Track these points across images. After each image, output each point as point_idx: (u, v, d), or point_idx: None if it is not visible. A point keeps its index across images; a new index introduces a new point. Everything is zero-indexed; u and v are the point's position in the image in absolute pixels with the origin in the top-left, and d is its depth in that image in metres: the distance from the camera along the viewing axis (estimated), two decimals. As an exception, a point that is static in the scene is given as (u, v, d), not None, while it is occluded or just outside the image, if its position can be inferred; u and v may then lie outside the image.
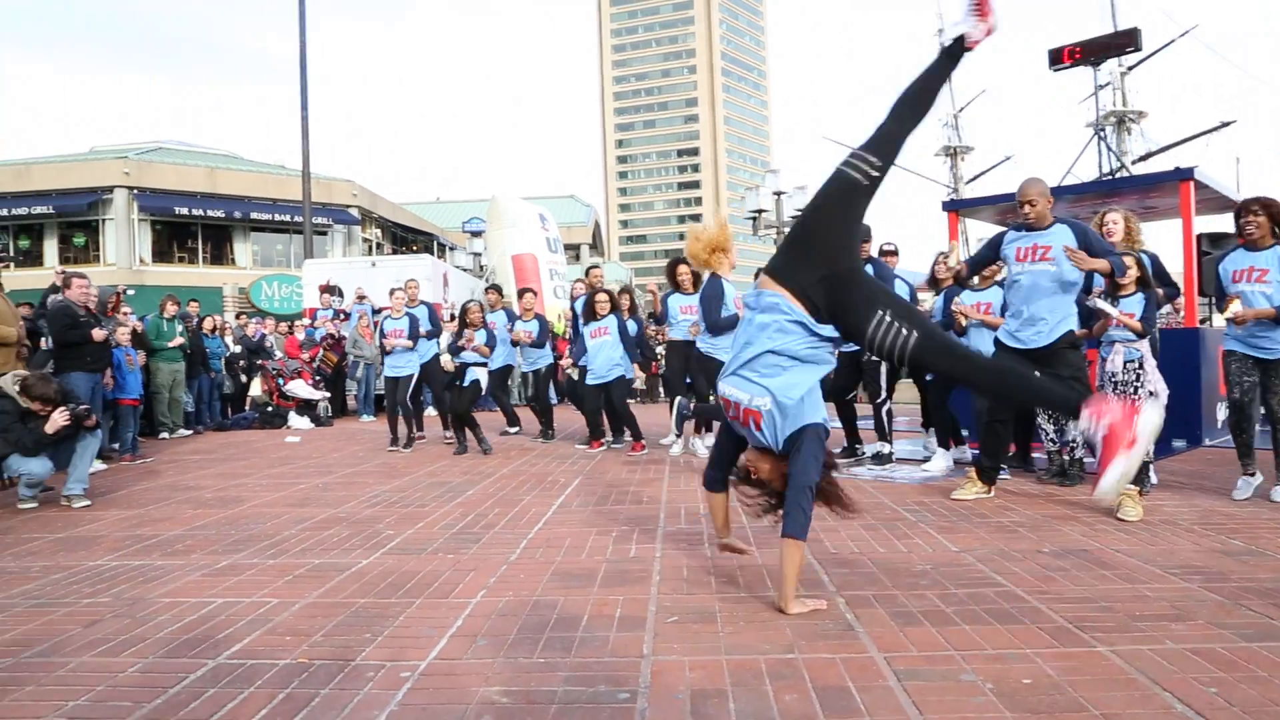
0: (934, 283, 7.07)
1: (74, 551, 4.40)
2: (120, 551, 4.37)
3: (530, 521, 4.86)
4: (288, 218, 27.38)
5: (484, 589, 3.49)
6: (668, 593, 3.36)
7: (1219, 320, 6.01)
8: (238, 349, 12.63)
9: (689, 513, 4.98)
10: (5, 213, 25.92)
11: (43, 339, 8.30)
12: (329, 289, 13.94)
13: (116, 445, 8.49)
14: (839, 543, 4.10)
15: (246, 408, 12.43)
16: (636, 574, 3.66)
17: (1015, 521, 4.57)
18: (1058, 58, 25.92)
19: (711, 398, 6.87)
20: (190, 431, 10.82)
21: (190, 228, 27.83)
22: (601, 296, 8.26)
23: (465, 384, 8.24)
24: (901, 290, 6.81)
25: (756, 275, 3.70)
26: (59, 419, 5.64)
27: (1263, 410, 5.10)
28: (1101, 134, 29.18)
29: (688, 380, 7.92)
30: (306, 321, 13.87)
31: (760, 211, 20.19)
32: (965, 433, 6.78)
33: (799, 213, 5.39)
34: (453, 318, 11.28)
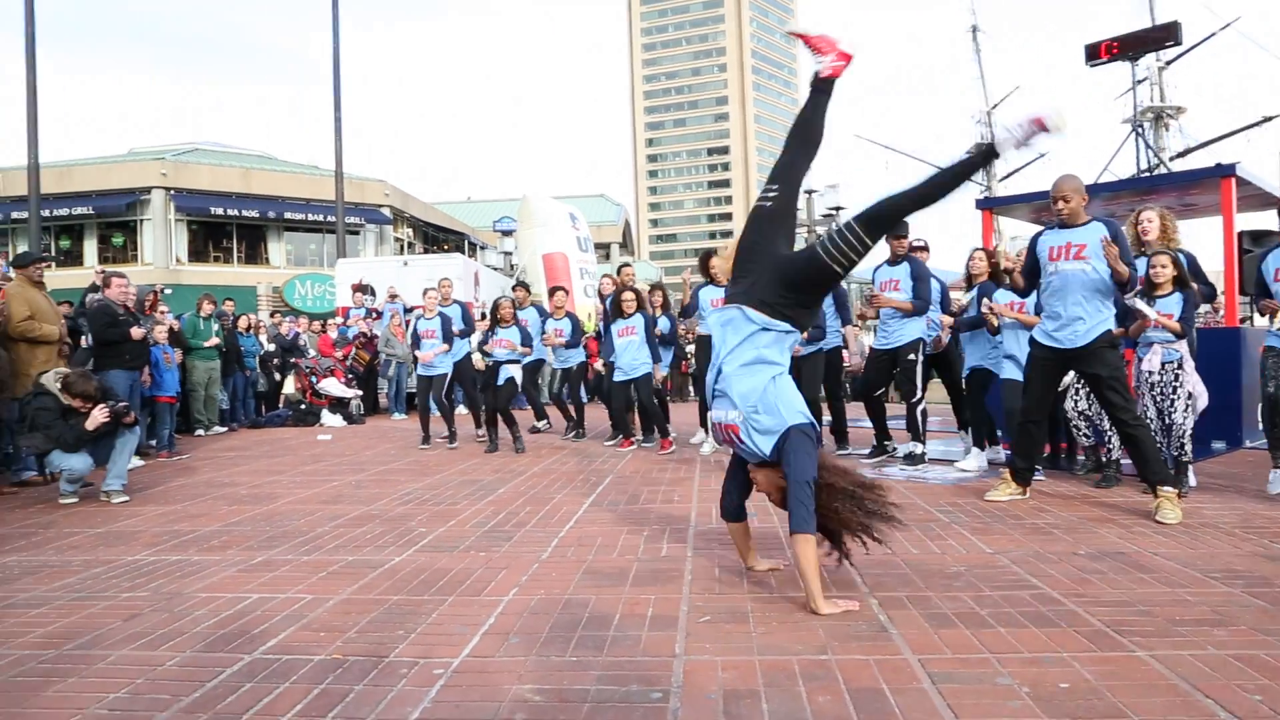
0: (969, 280, 7.00)
1: (113, 546, 4.48)
2: (158, 546, 4.45)
3: (562, 520, 4.87)
4: (321, 217, 27.64)
5: (516, 587, 3.50)
6: (700, 592, 3.36)
7: (1260, 320, 5.90)
8: (272, 347, 12.76)
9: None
10: (47, 214, 26.33)
11: (83, 337, 8.46)
12: (361, 288, 14.07)
13: (154, 442, 8.62)
14: (871, 543, 4.06)
15: (280, 405, 12.54)
16: (668, 573, 3.65)
17: (1050, 523, 4.51)
18: (1095, 53, 25.60)
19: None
20: (225, 429, 10.96)
21: (225, 227, 28.19)
22: (628, 295, 8.21)
23: (500, 383, 8.26)
24: (934, 287, 6.75)
25: None
26: (99, 416, 5.75)
27: None
28: (1139, 130, 28.74)
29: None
30: (339, 320, 14.02)
31: (791, 210, 20.06)
32: (999, 433, 6.70)
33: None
34: (484, 316, 11.33)
